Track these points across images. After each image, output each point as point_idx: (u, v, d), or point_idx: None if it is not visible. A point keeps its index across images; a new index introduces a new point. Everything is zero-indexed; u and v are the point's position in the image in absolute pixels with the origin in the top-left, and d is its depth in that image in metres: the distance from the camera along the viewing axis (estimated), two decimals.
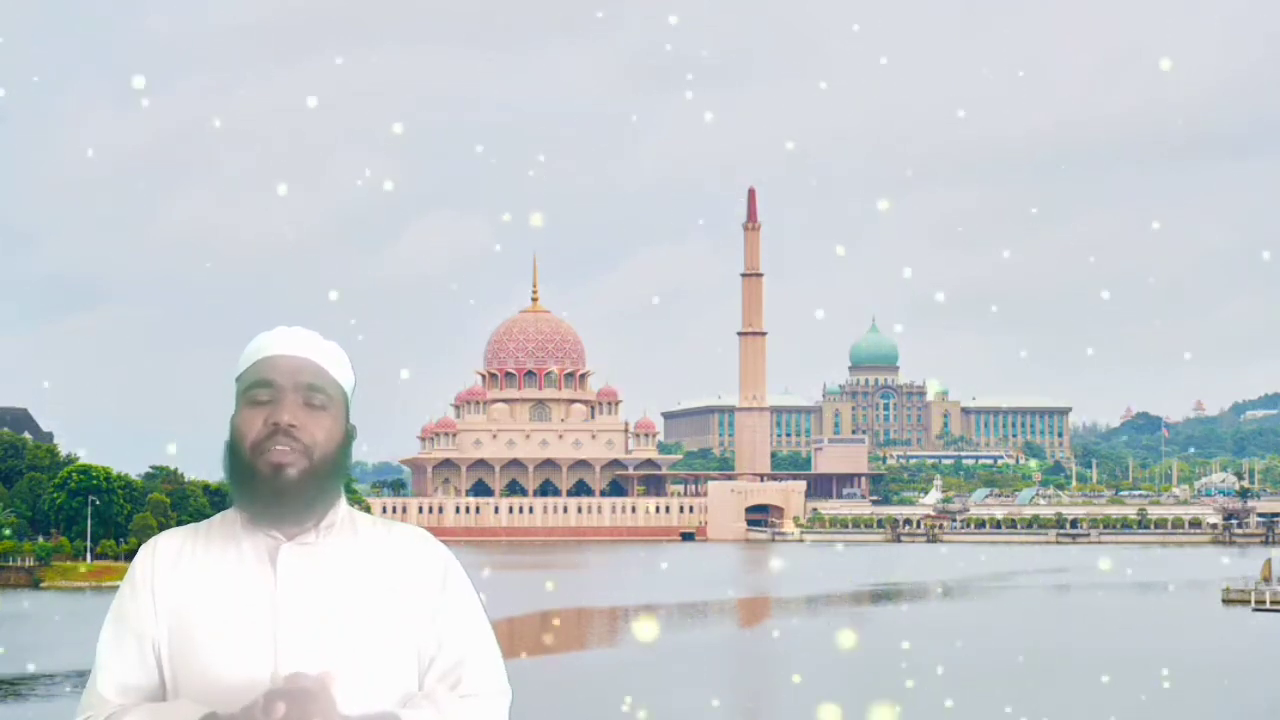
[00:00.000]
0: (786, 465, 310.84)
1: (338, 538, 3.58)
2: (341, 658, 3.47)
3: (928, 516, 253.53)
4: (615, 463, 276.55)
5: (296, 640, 3.46)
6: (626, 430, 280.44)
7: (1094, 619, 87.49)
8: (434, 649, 3.56)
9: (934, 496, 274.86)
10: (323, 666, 3.43)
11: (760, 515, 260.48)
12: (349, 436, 3.61)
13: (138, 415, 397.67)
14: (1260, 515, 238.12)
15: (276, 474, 3.48)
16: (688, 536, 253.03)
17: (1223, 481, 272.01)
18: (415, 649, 3.56)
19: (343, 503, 3.63)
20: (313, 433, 3.51)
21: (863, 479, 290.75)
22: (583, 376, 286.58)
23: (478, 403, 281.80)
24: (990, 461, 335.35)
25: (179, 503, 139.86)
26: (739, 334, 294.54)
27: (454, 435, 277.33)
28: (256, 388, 3.54)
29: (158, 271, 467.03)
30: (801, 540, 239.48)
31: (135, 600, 3.55)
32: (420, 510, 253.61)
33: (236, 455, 3.53)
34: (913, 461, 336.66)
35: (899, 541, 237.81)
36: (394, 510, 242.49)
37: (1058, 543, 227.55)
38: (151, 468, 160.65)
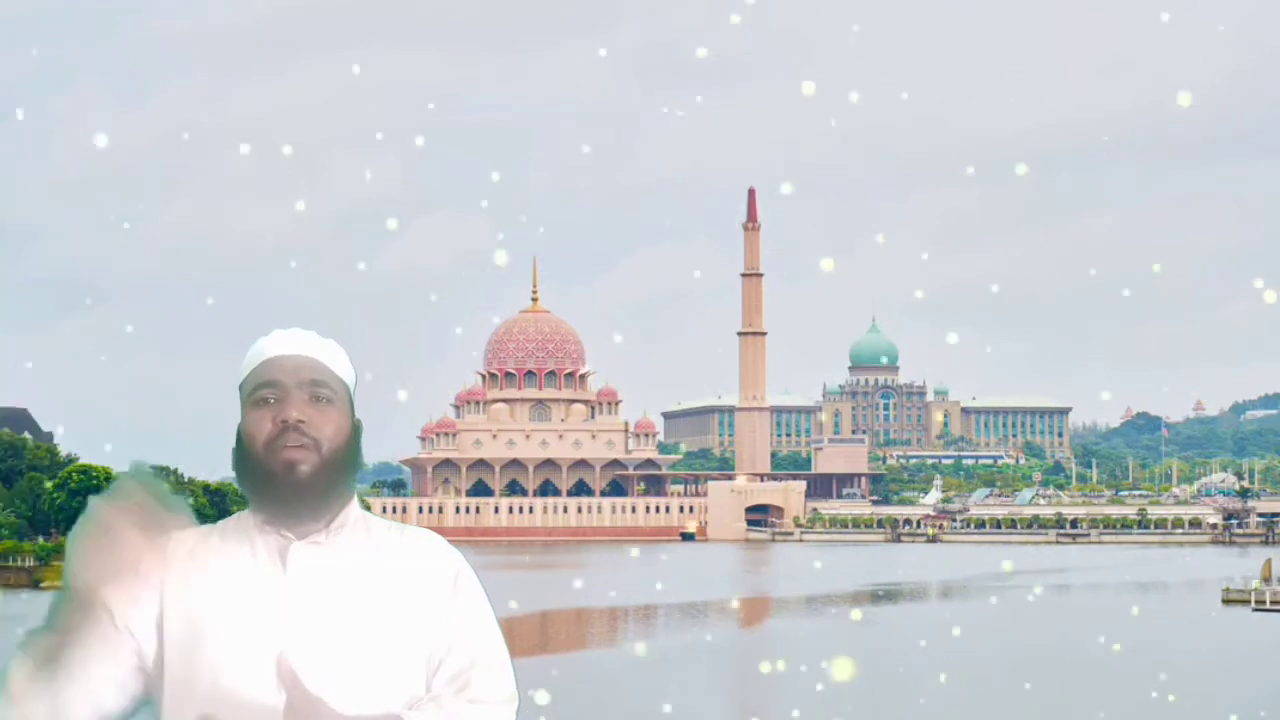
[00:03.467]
0: (786, 465, 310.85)
1: (349, 538, 3.57)
2: (348, 656, 3.45)
3: (928, 516, 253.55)
4: (615, 463, 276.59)
5: (304, 638, 3.45)
6: (626, 430, 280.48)
7: (1094, 619, 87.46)
8: (443, 652, 3.54)
9: (934, 496, 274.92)
10: (329, 664, 3.43)
11: (760, 515, 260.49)
12: (356, 430, 3.61)
13: (138, 415, 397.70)
14: (1260, 515, 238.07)
15: (290, 472, 3.47)
16: (688, 536, 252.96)
17: (1223, 481, 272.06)
18: (424, 651, 3.53)
19: (355, 504, 3.62)
20: (321, 427, 3.51)
21: (863, 479, 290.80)
22: (583, 376, 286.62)
23: (478, 403, 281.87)
24: (990, 461, 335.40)
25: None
26: (739, 334, 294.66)
27: (454, 435, 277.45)
28: (262, 389, 3.54)
29: (158, 271, 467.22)
30: (801, 540, 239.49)
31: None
32: (420, 510, 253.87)
33: (249, 457, 3.52)
34: (913, 461, 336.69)
35: (899, 541, 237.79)
36: (394, 510, 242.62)
37: (1058, 543, 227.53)
38: (151, 468, 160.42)
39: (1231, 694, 52.05)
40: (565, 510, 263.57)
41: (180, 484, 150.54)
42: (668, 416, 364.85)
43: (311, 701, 3.37)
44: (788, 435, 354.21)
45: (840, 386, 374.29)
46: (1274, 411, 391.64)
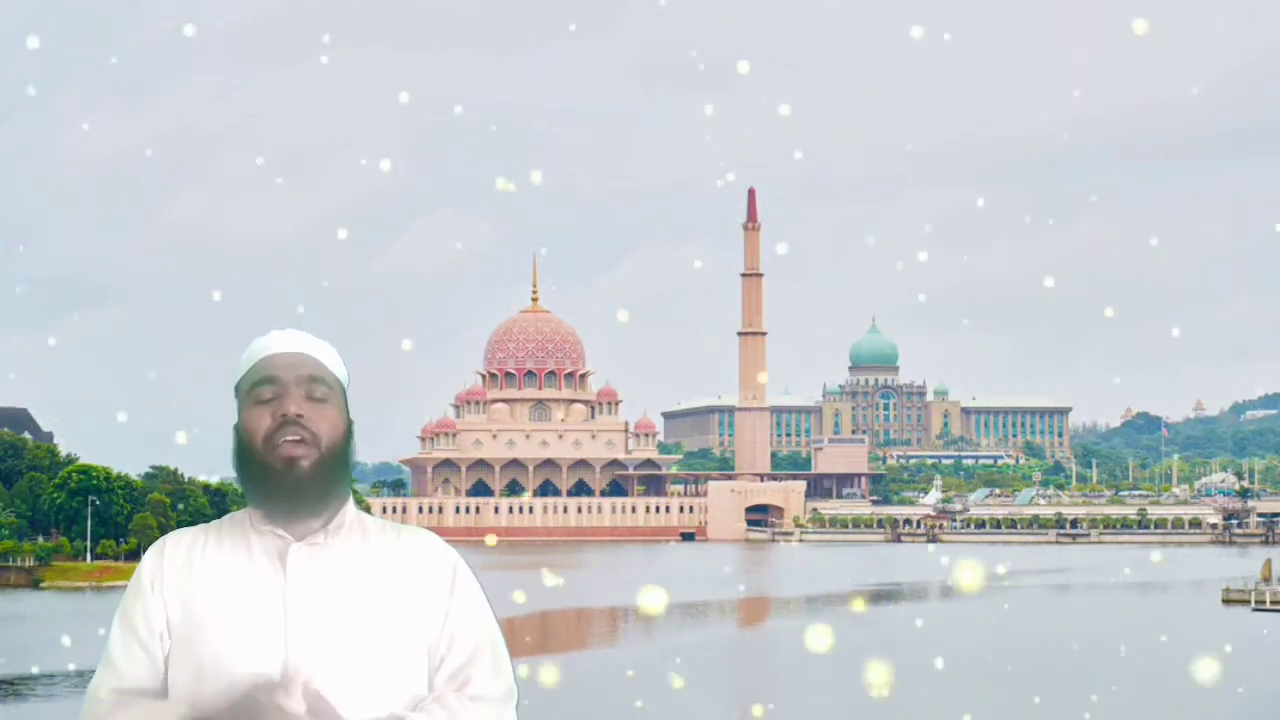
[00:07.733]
0: (786, 465, 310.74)
1: (347, 538, 3.61)
2: (350, 657, 3.49)
3: (928, 516, 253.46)
4: (615, 463, 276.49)
5: (306, 638, 3.48)
6: (626, 430, 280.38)
7: (1094, 619, 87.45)
8: (443, 650, 3.58)
9: (934, 496, 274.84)
10: (332, 666, 3.46)
11: (760, 515, 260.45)
12: (351, 428, 3.66)
13: (138, 415, 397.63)
14: (1260, 515, 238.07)
15: (290, 467, 3.51)
16: (688, 536, 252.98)
17: (1223, 481, 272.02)
18: (424, 651, 3.57)
19: (351, 504, 3.67)
20: (319, 423, 3.55)
21: (863, 479, 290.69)
22: (583, 376, 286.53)
23: (478, 403, 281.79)
24: (990, 461, 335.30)
25: (179, 503, 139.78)
26: (739, 334, 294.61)
27: (454, 435, 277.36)
28: (260, 385, 3.58)
29: (158, 271, 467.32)
30: (801, 540, 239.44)
31: (141, 600, 3.55)
32: (420, 510, 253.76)
33: (248, 453, 3.55)
34: (913, 461, 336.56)
35: (899, 541, 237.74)
36: (394, 510, 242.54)
37: (1058, 543, 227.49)
38: (151, 468, 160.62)
39: (1231, 694, 52.03)
40: (565, 510, 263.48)
41: (180, 484, 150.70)
42: (668, 416, 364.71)
43: (327, 708, 3.38)
44: (788, 435, 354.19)
45: (840, 386, 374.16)
46: (1274, 411, 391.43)
